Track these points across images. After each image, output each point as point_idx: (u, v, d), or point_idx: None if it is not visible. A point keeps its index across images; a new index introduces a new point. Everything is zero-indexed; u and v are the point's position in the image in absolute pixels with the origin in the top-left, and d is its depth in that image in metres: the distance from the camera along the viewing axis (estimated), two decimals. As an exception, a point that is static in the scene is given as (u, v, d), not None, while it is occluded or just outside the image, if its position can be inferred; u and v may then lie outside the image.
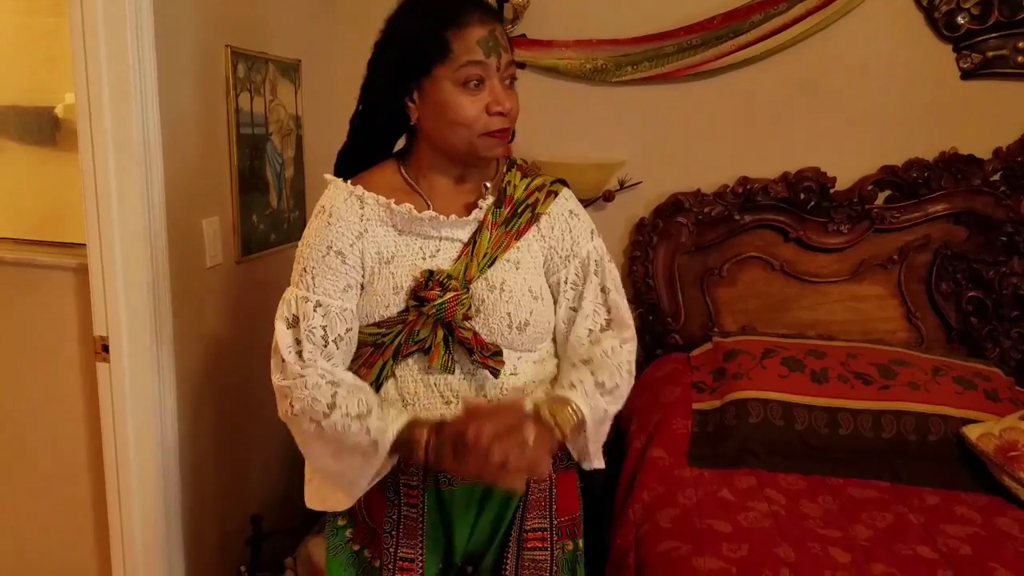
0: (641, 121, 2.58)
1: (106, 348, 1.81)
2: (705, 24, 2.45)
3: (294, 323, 1.26)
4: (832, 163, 2.49)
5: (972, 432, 2.01)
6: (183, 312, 1.87)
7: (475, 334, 1.24)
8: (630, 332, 1.37)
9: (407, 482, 1.29)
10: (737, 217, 2.53)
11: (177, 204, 1.83)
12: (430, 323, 1.24)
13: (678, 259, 2.59)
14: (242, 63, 2.05)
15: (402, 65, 1.24)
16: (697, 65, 2.48)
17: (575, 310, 1.34)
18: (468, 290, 1.24)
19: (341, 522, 1.40)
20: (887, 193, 2.49)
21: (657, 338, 2.63)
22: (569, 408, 1.24)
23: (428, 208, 1.28)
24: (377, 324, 1.27)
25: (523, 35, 2.53)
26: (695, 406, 2.20)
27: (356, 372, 1.29)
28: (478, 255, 1.26)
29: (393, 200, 1.26)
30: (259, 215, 2.19)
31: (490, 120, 1.22)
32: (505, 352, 1.27)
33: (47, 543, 2.10)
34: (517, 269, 1.29)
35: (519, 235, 1.30)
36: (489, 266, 1.27)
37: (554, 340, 1.38)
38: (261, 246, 2.21)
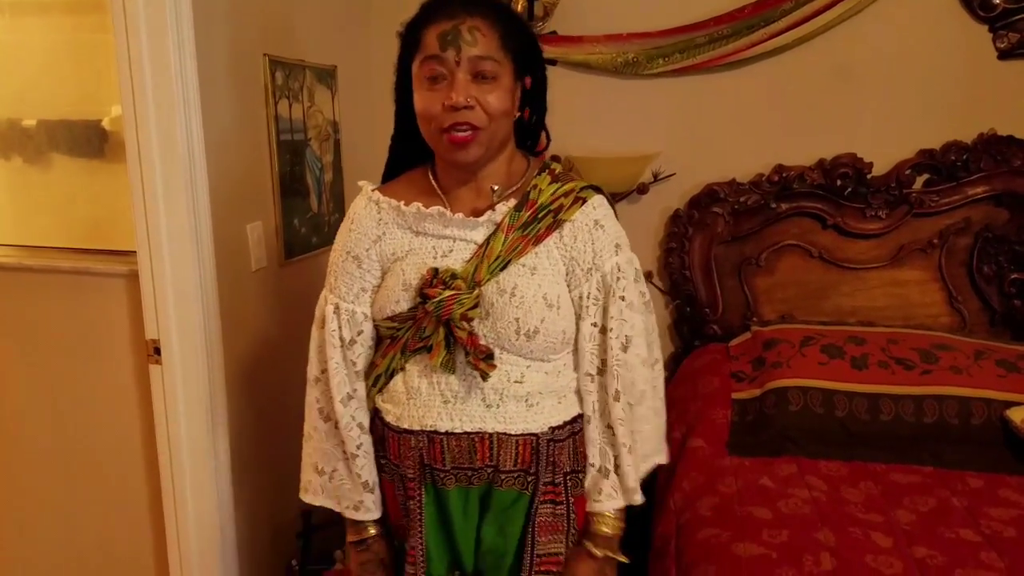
0: (674, 113, 2.58)
1: (158, 351, 1.87)
2: (735, 14, 2.45)
3: (321, 325, 1.37)
4: (868, 148, 2.46)
5: (1016, 415, 1.98)
6: (230, 314, 1.93)
7: (470, 335, 1.22)
8: (645, 354, 1.32)
9: (405, 473, 1.32)
10: (773, 205, 2.52)
11: (222, 210, 1.88)
12: (433, 321, 1.23)
13: (715, 249, 2.58)
14: (280, 71, 2.10)
15: (400, 64, 1.28)
16: (729, 55, 2.47)
17: (596, 326, 1.30)
18: (473, 291, 1.22)
19: None
20: (925, 177, 2.46)
21: (695, 329, 2.63)
22: (607, 518, 1.34)
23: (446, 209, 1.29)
24: (390, 319, 1.29)
25: (554, 32, 2.55)
26: (734, 395, 2.21)
27: (373, 361, 1.36)
28: (489, 257, 1.23)
29: (403, 202, 1.29)
30: (300, 219, 2.24)
31: (443, 115, 1.18)
32: (514, 359, 1.26)
33: (107, 541, 2.18)
34: (532, 275, 1.25)
35: (538, 240, 1.25)
36: (501, 269, 1.24)
37: (574, 352, 1.32)
38: (303, 249, 2.26)
